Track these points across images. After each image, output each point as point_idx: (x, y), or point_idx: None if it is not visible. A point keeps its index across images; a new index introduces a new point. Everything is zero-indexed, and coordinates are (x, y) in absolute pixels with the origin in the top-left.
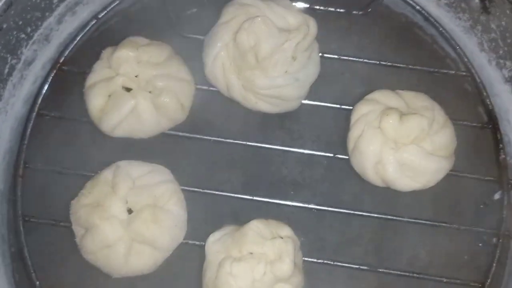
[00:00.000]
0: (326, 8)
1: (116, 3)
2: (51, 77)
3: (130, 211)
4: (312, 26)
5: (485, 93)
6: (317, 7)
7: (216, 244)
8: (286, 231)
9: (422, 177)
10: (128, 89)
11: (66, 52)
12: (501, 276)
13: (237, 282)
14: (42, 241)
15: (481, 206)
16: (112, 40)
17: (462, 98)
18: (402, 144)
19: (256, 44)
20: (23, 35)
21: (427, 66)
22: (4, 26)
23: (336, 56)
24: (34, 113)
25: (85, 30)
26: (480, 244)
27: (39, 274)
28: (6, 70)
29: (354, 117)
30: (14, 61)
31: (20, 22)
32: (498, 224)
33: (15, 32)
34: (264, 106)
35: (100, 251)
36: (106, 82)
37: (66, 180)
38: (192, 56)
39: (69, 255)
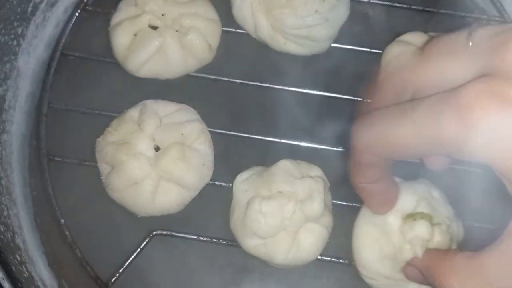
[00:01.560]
0: None
1: None
2: (75, 17)
3: (157, 148)
4: None
5: None
6: None
7: (244, 183)
8: (316, 171)
9: None
10: (155, 28)
11: None
12: None
13: (267, 219)
14: (66, 180)
15: None
16: None
17: None
18: None
19: None
20: None
21: (458, 11)
22: None
23: (366, 0)
24: (58, 53)
25: None
26: None
27: (64, 213)
28: (30, 9)
29: (385, 58)
30: (37, 0)
31: None
32: None
33: None
34: (293, 47)
35: (126, 189)
36: (132, 20)
37: (90, 120)
38: None
39: (94, 194)
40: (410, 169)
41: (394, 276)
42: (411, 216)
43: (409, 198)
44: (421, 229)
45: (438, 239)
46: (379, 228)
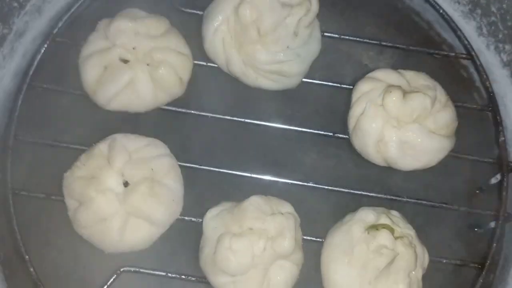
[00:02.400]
0: None
1: None
2: (44, 48)
3: (126, 184)
4: (314, 2)
5: (485, 76)
6: None
7: (214, 219)
8: (286, 207)
9: (423, 156)
10: (125, 61)
11: (60, 23)
12: (497, 260)
13: (237, 257)
14: (31, 215)
15: (477, 192)
16: (107, 13)
17: (461, 81)
18: (404, 123)
19: (258, 18)
20: (15, 4)
21: (429, 48)
22: None
23: (336, 35)
24: (26, 84)
25: (79, 2)
26: (476, 229)
27: (28, 249)
28: None
29: (355, 95)
30: (5, 31)
31: None
32: (496, 207)
33: (7, 0)
34: (264, 82)
35: (94, 225)
36: (102, 53)
37: (58, 153)
38: (189, 31)
39: (61, 229)
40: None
41: None
42: (373, 227)
43: (370, 212)
44: (384, 237)
45: (401, 249)
46: (345, 241)
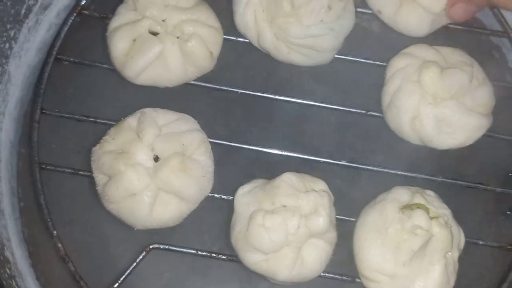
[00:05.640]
0: None
1: None
2: (71, 21)
3: (156, 159)
4: None
5: None
6: None
7: (246, 196)
8: (320, 185)
9: (460, 134)
10: (155, 34)
11: None
12: None
13: (270, 234)
14: (59, 190)
15: (510, 174)
16: None
17: (494, 61)
18: (441, 99)
19: None
20: None
21: (462, 25)
22: None
23: (370, 11)
24: (52, 57)
25: None
26: (509, 212)
27: (56, 225)
28: (23, 11)
29: (390, 71)
30: (31, 2)
31: None
32: None
33: None
34: (296, 57)
35: (124, 200)
36: (132, 25)
37: (85, 127)
38: (219, 5)
39: (89, 205)
40: None
41: (397, 272)
42: (408, 207)
43: (404, 191)
44: (418, 217)
45: (436, 230)
46: (379, 221)
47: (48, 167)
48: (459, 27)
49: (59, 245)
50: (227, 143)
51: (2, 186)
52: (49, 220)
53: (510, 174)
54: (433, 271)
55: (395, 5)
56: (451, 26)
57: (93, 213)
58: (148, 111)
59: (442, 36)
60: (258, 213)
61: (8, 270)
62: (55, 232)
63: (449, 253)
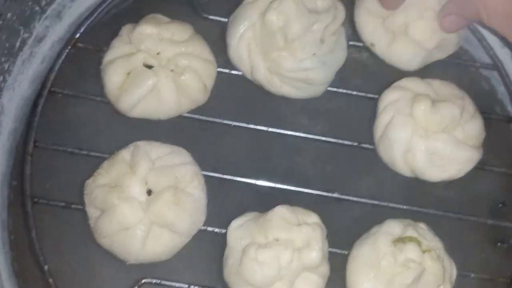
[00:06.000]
0: None
1: None
2: (65, 53)
3: (149, 192)
4: (341, 9)
5: (511, 86)
6: None
7: (239, 230)
8: (313, 218)
9: (452, 167)
10: (149, 67)
11: (82, 28)
12: None
13: (263, 269)
14: (50, 224)
15: (500, 205)
16: (129, 19)
17: (483, 93)
18: (432, 132)
19: (285, 24)
20: (37, 8)
21: (452, 57)
22: None
23: (361, 44)
24: (46, 90)
25: (102, 7)
26: (499, 244)
27: (47, 259)
28: (18, 44)
29: (382, 104)
30: (26, 35)
31: None
32: None
33: (30, 4)
34: (289, 90)
35: (116, 234)
36: (126, 59)
37: (78, 160)
38: (213, 38)
39: (81, 239)
40: None
41: None
42: (400, 240)
43: (396, 224)
44: (411, 250)
45: (429, 263)
46: (372, 254)
47: (40, 201)
48: (450, 59)
49: (50, 280)
50: (220, 175)
51: None
52: (40, 255)
53: (500, 205)
54: None
55: (388, 38)
56: (443, 59)
57: (85, 247)
58: (141, 144)
59: (432, 67)
60: (251, 247)
61: None
62: (46, 267)
63: (441, 286)
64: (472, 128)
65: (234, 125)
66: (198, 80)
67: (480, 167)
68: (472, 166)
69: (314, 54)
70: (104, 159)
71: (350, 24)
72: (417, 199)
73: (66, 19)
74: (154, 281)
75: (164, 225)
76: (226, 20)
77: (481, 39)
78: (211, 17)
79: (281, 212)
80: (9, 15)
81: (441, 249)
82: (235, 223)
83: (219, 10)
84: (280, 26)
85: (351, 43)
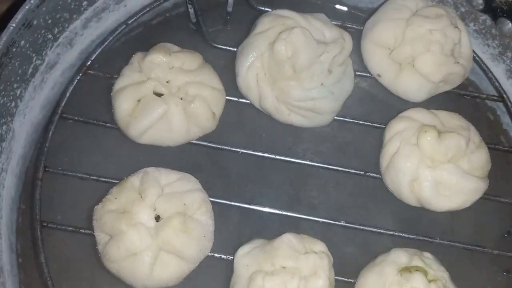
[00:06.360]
0: (358, 27)
1: (145, 11)
2: (76, 80)
3: (157, 218)
4: (348, 40)
5: None
6: (350, 25)
7: (246, 257)
8: (320, 246)
9: (458, 197)
10: (159, 95)
11: (93, 56)
12: None
13: None
14: (59, 248)
15: (505, 235)
16: (140, 47)
17: (488, 123)
18: (438, 163)
19: (293, 55)
20: (50, 36)
21: (458, 88)
22: (35, 22)
23: (368, 75)
24: (57, 116)
25: (113, 35)
26: (505, 273)
27: (55, 283)
28: (30, 71)
29: (388, 134)
30: (38, 62)
31: (50, 21)
32: None
33: (43, 31)
34: (297, 118)
35: (124, 260)
36: (136, 86)
37: (87, 186)
38: (221, 67)
39: (89, 264)
40: None
41: None
42: (406, 269)
43: (402, 254)
44: (417, 280)
45: None
46: (378, 283)
47: (49, 225)
48: (456, 90)
49: None
50: (228, 202)
51: (1, 242)
52: (48, 279)
53: (506, 236)
54: None
55: (395, 70)
56: (450, 90)
57: (93, 272)
58: (151, 170)
59: (438, 98)
60: (258, 274)
61: None
62: None
63: None
64: (478, 158)
65: (242, 152)
66: (207, 108)
67: (486, 197)
68: (478, 197)
69: (321, 84)
70: (113, 184)
71: (358, 55)
72: (423, 229)
73: (77, 46)
74: None
75: (172, 251)
76: (235, 49)
77: (486, 71)
78: (220, 46)
79: (288, 240)
80: (22, 42)
81: (447, 279)
82: (242, 250)
83: (228, 39)
84: (288, 56)
85: (358, 73)
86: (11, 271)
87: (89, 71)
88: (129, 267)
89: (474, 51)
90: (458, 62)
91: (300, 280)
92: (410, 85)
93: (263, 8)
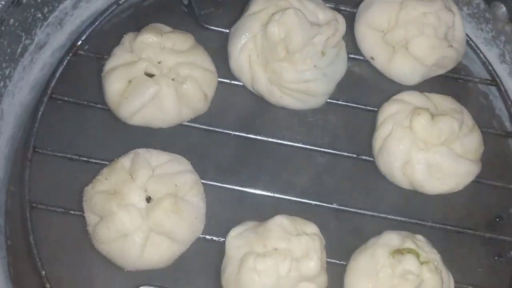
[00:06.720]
0: (352, 9)
1: None
2: (66, 61)
3: (148, 199)
4: (342, 22)
5: (509, 102)
6: (343, 7)
7: (238, 238)
8: (312, 228)
9: (450, 180)
10: (150, 75)
11: (83, 36)
12: None
13: (262, 278)
14: (49, 230)
15: (497, 219)
16: (131, 28)
17: (481, 107)
18: (431, 145)
19: (286, 36)
20: (39, 15)
21: (451, 72)
22: (24, 1)
23: (361, 58)
24: (47, 96)
25: (104, 15)
26: (496, 258)
27: (45, 264)
28: (19, 50)
29: (381, 116)
30: (27, 41)
31: (39, 0)
32: None
33: (32, 10)
34: (289, 101)
35: (115, 241)
36: (128, 67)
37: (77, 167)
38: (213, 49)
39: (79, 245)
40: None
41: None
42: (398, 252)
43: (395, 236)
44: (409, 262)
45: (427, 275)
46: (370, 265)
47: (39, 206)
48: (449, 74)
49: (47, 285)
50: (219, 184)
51: None
52: (38, 260)
53: (498, 219)
54: None
55: (388, 53)
56: (443, 74)
57: (82, 253)
58: (141, 151)
59: (431, 82)
60: (250, 256)
61: None
62: (43, 272)
63: None
64: (471, 141)
65: (234, 135)
66: (199, 89)
67: (478, 181)
68: (470, 180)
69: (315, 66)
70: (103, 166)
71: (351, 38)
72: (415, 212)
73: (67, 27)
74: None
75: (163, 233)
76: (227, 31)
77: (479, 55)
78: (212, 27)
79: (280, 221)
80: (11, 21)
81: (439, 261)
82: (234, 232)
83: (221, 21)
84: (281, 38)
85: (351, 56)
86: None
87: (79, 52)
88: (120, 248)
89: (467, 35)
90: (451, 46)
91: (292, 261)
92: (403, 68)
93: None
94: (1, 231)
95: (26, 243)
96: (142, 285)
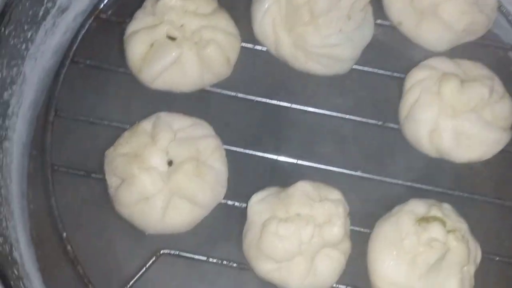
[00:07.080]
0: None
1: None
2: (88, 24)
3: (170, 163)
4: None
5: None
6: None
7: (260, 204)
8: (335, 194)
9: (479, 148)
10: (172, 39)
11: (106, 0)
12: None
13: (284, 243)
14: (70, 192)
15: None
16: None
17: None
18: (460, 112)
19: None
20: None
21: (480, 39)
22: None
23: (389, 23)
24: (68, 60)
25: None
26: None
27: (66, 227)
28: (41, 13)
29: (409, 82)
30: (49, 4)
31: None
32: None
33: None
34: (314, 66)
35: (136, 204)
36: (149, 30)
37: (99, 130)
38: (236, 13)
39: (100, 208)
40: None
41: (412, 285)
42: (424, 219)
43: (421, 204)
44: (435, 230)
45: (453, 244)
46: (394, 233)
47: (60, 169)
48: (478, 41)
49: (69, 247)
50: (241, 150)
51: (12, 187)
52: (59, 222)
53: None
54: (449, 285)
55: (416, 18)
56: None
57: (104, 216)
58: (163, 115)
59: (460, 49)
60: (272, 221)
61: (16, 271)
62: (64, 234)
63: (466, 268)
64: (501, 109)
65: (257, 101)
66: (222, 53)
67: (507, 150)
68: (500, 148)
69: (340, 30)
70: (125, 129)
71: (378, 3)
72: (442, 180)
73: None
74: (172, 252)
75: (184, 196)
76: None
77: (510, 22)
78: None
79: (303, 187)
80: None
81: (466, 230)
82: (256, 197)
83: None
84: (306, 1)
85: (378, 21)
86: (21, 216)
87: (101, 16)
88: (141, 211)
89: (499, 1)
90: (482, 11)
91: (314, 227)
92: (432, 33)
93: None
94: (23, 195)
95: (48, 206)
96: (163, 249)
